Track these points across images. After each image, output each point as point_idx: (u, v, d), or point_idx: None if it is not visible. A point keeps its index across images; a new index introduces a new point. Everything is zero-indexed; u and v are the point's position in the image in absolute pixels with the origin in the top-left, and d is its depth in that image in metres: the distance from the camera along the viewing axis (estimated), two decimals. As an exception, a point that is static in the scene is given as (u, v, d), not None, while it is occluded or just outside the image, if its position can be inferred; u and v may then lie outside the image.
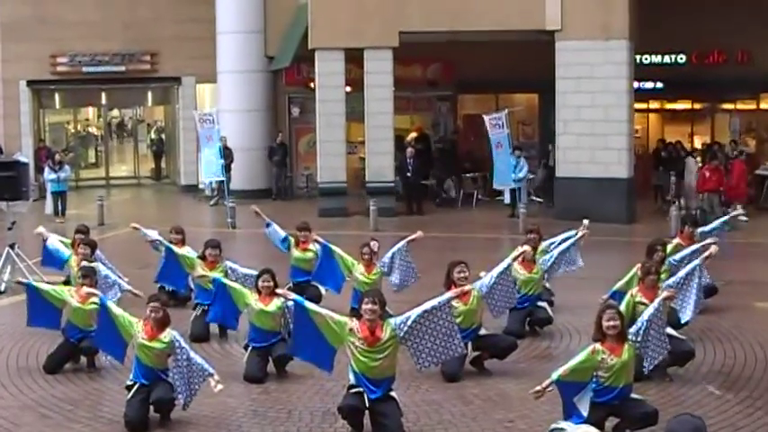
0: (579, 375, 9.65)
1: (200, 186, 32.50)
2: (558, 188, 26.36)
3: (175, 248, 15.50)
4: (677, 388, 11.67)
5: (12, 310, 16.38)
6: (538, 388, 9.55)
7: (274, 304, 12.29)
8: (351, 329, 10.08)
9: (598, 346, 9.80)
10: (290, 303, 11.06)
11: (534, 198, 28.50)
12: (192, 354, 10.67)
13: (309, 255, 15.78)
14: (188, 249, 15.97)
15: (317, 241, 15.72)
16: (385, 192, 26.60)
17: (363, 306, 10.10)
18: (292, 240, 16.08)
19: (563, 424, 5.45)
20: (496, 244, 22.59)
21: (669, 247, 14.74)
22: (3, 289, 17.34)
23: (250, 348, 12.41)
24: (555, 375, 9.62)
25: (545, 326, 14.26)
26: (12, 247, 17.49)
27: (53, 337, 13.10)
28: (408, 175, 27.96)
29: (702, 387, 11.72)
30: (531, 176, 28.63)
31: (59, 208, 27.01)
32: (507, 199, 26.82)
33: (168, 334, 10.69)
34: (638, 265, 13.15)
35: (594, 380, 9.73)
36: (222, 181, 27.87)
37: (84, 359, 12.76)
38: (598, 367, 9.71)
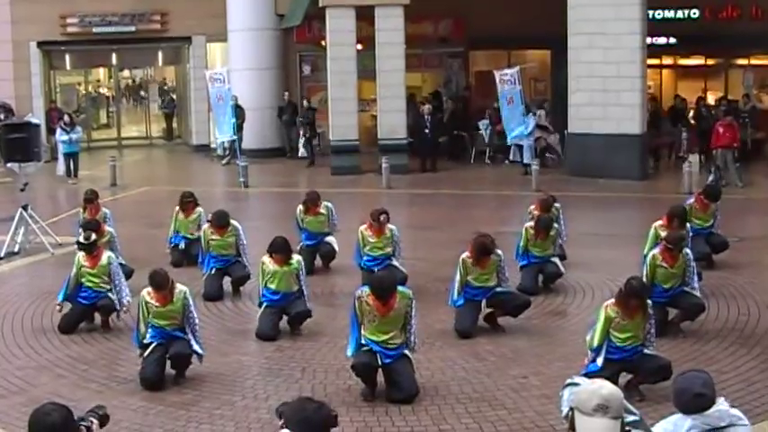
0: (604, 335, 9.86)
1: (212, 146, 32.48)
2: (570, 145, 26.27)
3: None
4: (691, 344, 11.66)
5: (27, 271, 16.47)
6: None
7: (288, 265, 12.29)
8: (359, 299, 10.13)
9: (610, 303, 9.89)
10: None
11: (548, 155, 28.30)
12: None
13: (321, 218, 15.72)
14: (200, 211, 16.02)
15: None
16: (397, 149, 26.55)
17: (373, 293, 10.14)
18: (301, 207, 15.88)
19: (577, 379, 5.45)
20: (509, 201, 22.56)
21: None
22: (17, 250, 17.39)
23: (264, 305, 12.43)
24: (593, 344, 9.88)
25: (555, 279, 14.24)
26: (24, 208, 17.52)
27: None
28: (426, 131, 27.83)
29: (716, 343, 11.73)
30: (539, 136, 28.47)
31: (72, 169, 27.04)
32: (525, 158, 26.49)
33: (179, 294, 10.77)
34: (656, 224, 13.36)
35: (607, 339, 9.83)
36: (234, 140, 27.84)
37: (98, 320, 12.81)
38: (611, 324, 9.81)
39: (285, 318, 12.38)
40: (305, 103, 29.94)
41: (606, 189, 23.05)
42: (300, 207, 15.77)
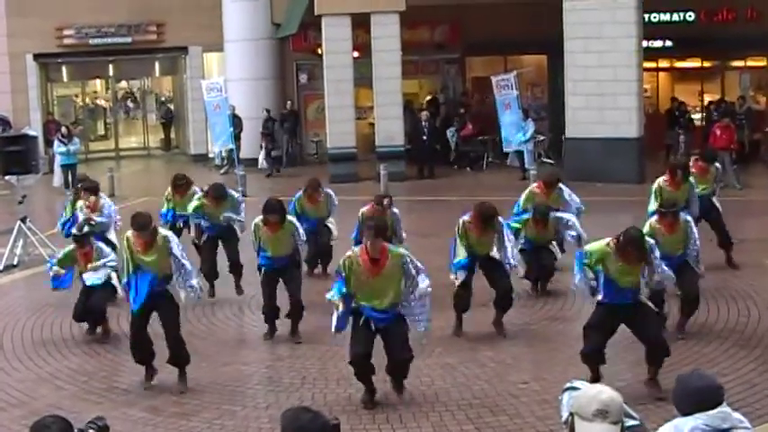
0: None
1: (210, 155, 32.49)
2: (567, 149, 26.27)
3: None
4: (691, 346, 11.68)
5: (26, 284, 16.46)
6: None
7: (281, 231, 12.34)
8: (350, 258, 9.96)
9: (611, 250, 9.98)
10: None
11: (545, 160, 28.35)
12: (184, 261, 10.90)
13: (321, 205, 15.75)
14: (195, 189, 15.68)
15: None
16: (395, 156, 26.55)
17: (365, 231, 10.12)
18: (301, 195, 15.84)
19: (577, 383, 5.44)
20: (507, 206, 22.51)
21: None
22: (16, 262, 17.38)
23: (263, 272, 12.55)
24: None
25: (550, 276, 14.27)
26: (23, 220, 17.53)
27: (68, 310, 13.12)
28: (424, 138, 27.82)
29: (717, 345, 11.72)
30: (542, 138, 28.53)
31: (69, 181, 27.00)
32: (527, 162, 26.44)
33: (161, 240, 10.76)
34: (659, 180, 13.82)
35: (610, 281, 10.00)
36: (232, 149, 27.85)
37: (98, 330, 12.81)
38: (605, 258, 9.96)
39: (285, 320, 12.48)
40: (263, 113, 29.82)
41: (604, 193, 23.03)
42: (300, 194, 15.73)
